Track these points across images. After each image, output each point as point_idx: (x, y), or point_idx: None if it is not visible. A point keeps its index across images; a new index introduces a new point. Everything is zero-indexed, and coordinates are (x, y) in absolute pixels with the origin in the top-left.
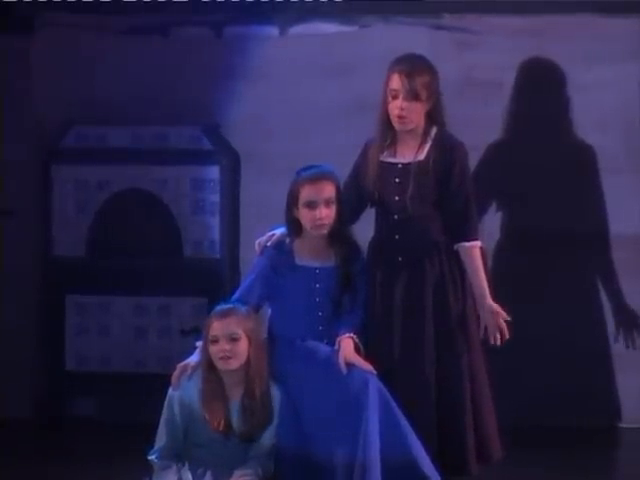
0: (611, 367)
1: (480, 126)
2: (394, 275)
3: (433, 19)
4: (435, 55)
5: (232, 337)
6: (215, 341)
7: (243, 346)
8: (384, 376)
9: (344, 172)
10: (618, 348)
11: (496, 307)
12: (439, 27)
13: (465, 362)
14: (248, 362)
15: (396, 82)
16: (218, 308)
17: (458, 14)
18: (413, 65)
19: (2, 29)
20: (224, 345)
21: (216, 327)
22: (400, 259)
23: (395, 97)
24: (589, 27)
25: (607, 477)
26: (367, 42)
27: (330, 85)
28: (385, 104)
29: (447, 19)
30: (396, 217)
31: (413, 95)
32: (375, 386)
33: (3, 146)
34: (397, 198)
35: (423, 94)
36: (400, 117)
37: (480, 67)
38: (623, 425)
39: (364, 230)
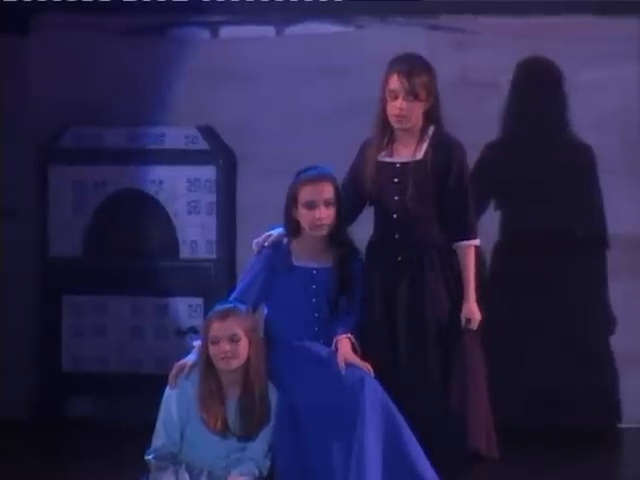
0: (611, 367)
1: (477, 126)
2: (394, 274)
3: (430, 19)
4: (432, 55)
5: (233, 338)
6: (216, 342)
7: (243, 346)
8: (384, 376)
9: (341, 173)
10: (618, 348)
11: (473, 313)
12: (436, 27)
13: (464, 360)
14: (248, 362)
15: (395, 83)
16: (217, 308)
17: (455, 14)
18: (412, 65)
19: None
20: (225, 346)
21: (216, 328)
22: (400, 258)
23: (395, 98)
24: (588, 28)
25: (607, 477)
26: (363, 43)
27: (326, 86)
28: (383, 104)
29: (444, 19)
30: (395, 217)
31: (412, 95)
32: (371, 386)
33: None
34: (396, 198)
35: (422, 94)
36: (399, 117)
37: (477, 67)
38: (623, 425)
39: (363, 230)
